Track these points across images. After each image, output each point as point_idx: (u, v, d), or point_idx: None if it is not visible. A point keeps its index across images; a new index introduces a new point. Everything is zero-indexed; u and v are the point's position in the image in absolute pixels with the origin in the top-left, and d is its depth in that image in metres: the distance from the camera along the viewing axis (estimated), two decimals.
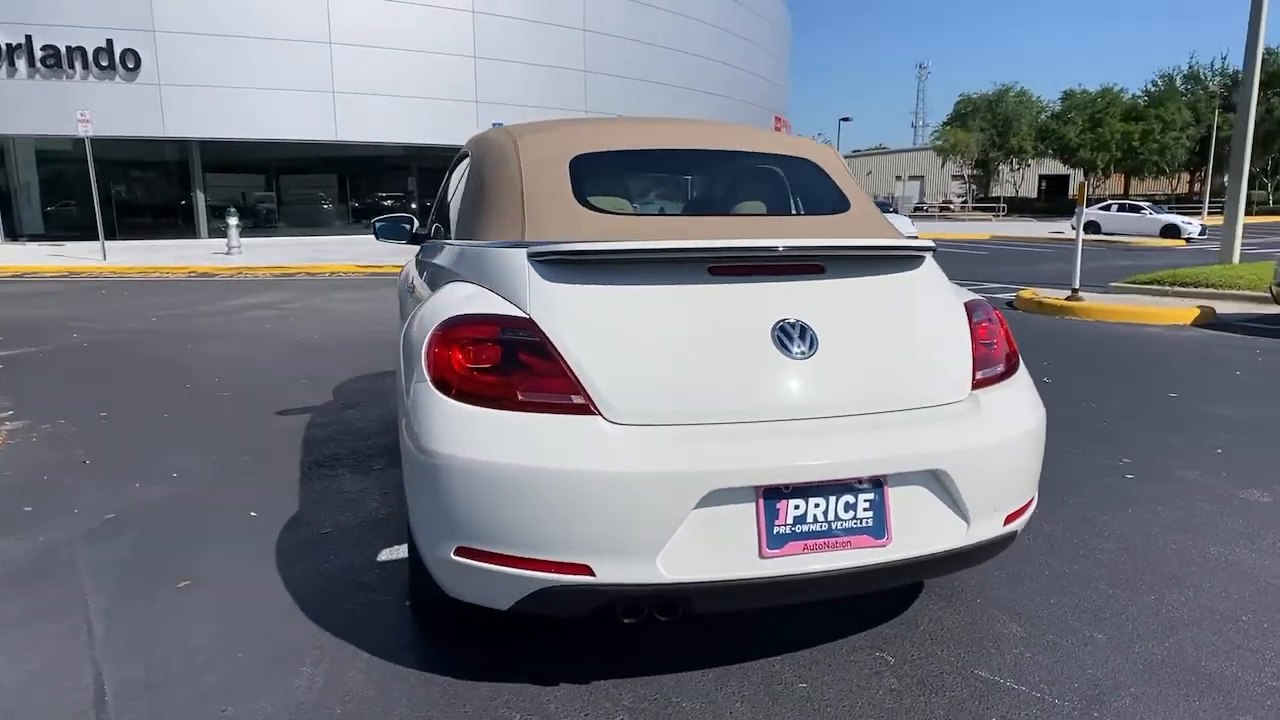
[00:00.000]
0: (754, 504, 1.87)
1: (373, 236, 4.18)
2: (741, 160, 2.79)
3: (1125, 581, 2.77)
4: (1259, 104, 47.26)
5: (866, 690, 2.14)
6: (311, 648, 2.33)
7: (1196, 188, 54.18)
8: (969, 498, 2.02)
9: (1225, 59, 57.13)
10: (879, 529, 1.94)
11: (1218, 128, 44.68)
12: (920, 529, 1.98)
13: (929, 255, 2.30)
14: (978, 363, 2.22)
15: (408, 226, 4.13)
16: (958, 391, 2.13)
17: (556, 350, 1.96)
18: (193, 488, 3.63)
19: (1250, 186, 55.45)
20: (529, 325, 2.01)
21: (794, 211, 2.53)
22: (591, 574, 1.84)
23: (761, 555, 1.87)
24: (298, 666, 2.23)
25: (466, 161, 3.19)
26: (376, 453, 4.12)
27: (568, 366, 1.94)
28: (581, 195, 2.40)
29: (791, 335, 2.01)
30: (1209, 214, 38.90)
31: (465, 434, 1.92)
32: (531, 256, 2.11)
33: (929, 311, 2.22)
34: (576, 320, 1.99)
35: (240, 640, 2.36)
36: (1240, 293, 10.11)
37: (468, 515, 1.91)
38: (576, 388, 1.92)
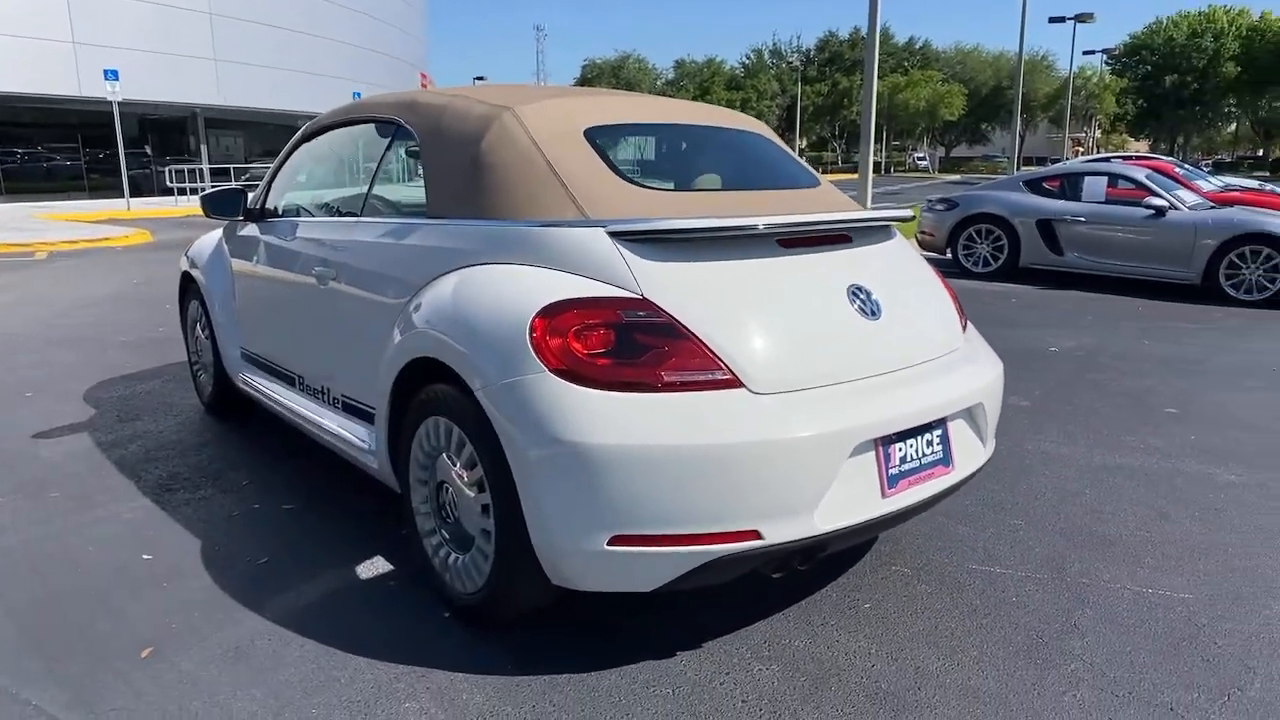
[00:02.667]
0: (874, 452, 2.10)
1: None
2: (727, 136, 2.90)
3: (1006, 480, 3.52)
4: (824, 80, 56.46)
5: (908, 597, 2.53)
6: None
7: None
8: (987, 424, 2.47)
9: (799, 37, 67.17)
10: (947, 459, 2.29)
11: (800, 98, 53.01)
12: (966, 455, 2.37)
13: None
14: (960, 311, 2.67)
15: (242, 201, 3.53)
16: (959, 336, 2.55)
17: (688, 329, 1.97)
18: (18, 537, 2.79)
19: (823, 149, 66.94)
20: (649, 306, 1.99)
21: (784, 184, 2.74)
22: (760, 537, 1.94)
23: (883, 495, 2.11)
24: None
25: (392, 133, 2.86)
26: (229, 465, 3.50)
27: (704, 344, 1.97)
28: (617, 169, 2.35)
29: (862, 298, 2.25)
30: None
31: (615, 421, 1.87)
32: (619, 236, 2.07)
33: (920, 271, 2.60)
34: (694, 298, 2.02)
35: None
36: None
37: (626, 502, 1.87)
38: (718, 363, 1.97)
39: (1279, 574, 2.70)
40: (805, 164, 2.96)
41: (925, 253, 9.95)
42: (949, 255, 9.75)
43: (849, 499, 2.05)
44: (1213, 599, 2.54)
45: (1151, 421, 4.33)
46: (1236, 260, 8.03)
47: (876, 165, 56.98)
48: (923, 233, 10.03)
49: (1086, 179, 9.05)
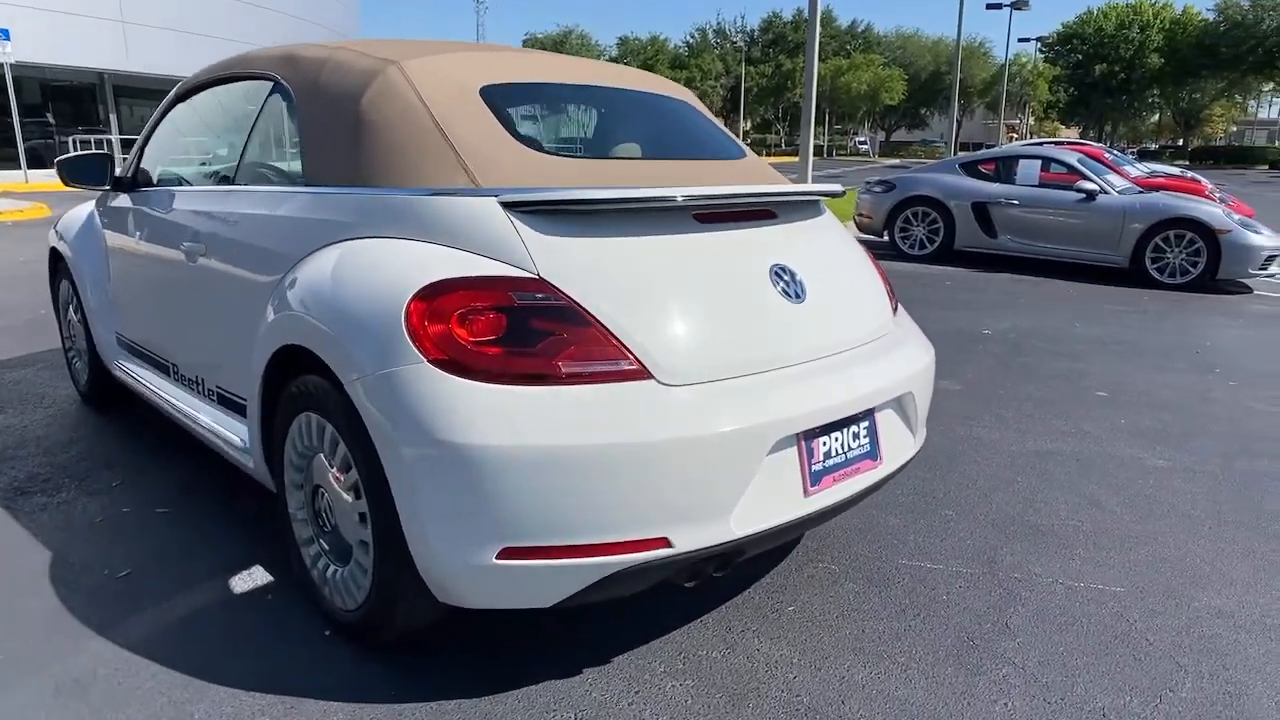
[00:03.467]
0: (796, 448, 1.92)
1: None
2: (640, 100, 2.67)
3: (937, 468, 3.40)
4: (768, 61, 56.62)
5: (834, 598, 2.37)
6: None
7: (729, 129, 63.86)
8: (917, 414, 2.32)
9: (744, 17, 67.01)
10: (874, 452, 2.13)
11: (744, 78, 52.97)
12: (894, 447, 2.22)
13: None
14: (890, 293, 2.50)
15: (108, 167, 3.18)
16: (889, 320, 2.39)
17: (590, 314, 1.76)
18: None
19: (767, 131, 67.15)
20: (546, 287, 1.76)
21: (707, 155, 2.53)
22: (670, 545, 1.74)
23: (805, 494, 1.93)
24: None
25: (269, 90, 2.55)
26: (101, 463, 3.17)
27: (608, 330, 1.76)
28: (517, 133, 2.11)
29: (785, 280, 2.06)
30: None
31: (503, 419, 1.65)
32: (511, 207, 1.84)
33: (848, 250, 2.43)
34: (598, 278, 1.80)
35: None
36: None
37: (518, 511, 1.65)
38: (624, 352, 1.76)
39: (1205, 564, 2.63)
40: (731, 134, 2.75)
41: (863, 235, 9.91)
42: (886, 238, 9.72)
43: (768, 499, 1.86)
44: (1143, 592, 2.45)
45: (1083, 405, 4.29)
46: (1161, 244, 8.16)
47: (818, 149, 57.44)
48: (860, 215, 9.98)
49: (1020, 162, 9.09)
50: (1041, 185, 8.92)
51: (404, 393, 1.70)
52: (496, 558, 1.69)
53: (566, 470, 1.65)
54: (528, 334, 1.73)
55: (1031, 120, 65.06)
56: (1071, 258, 8.70)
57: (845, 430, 2.04)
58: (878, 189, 9.85)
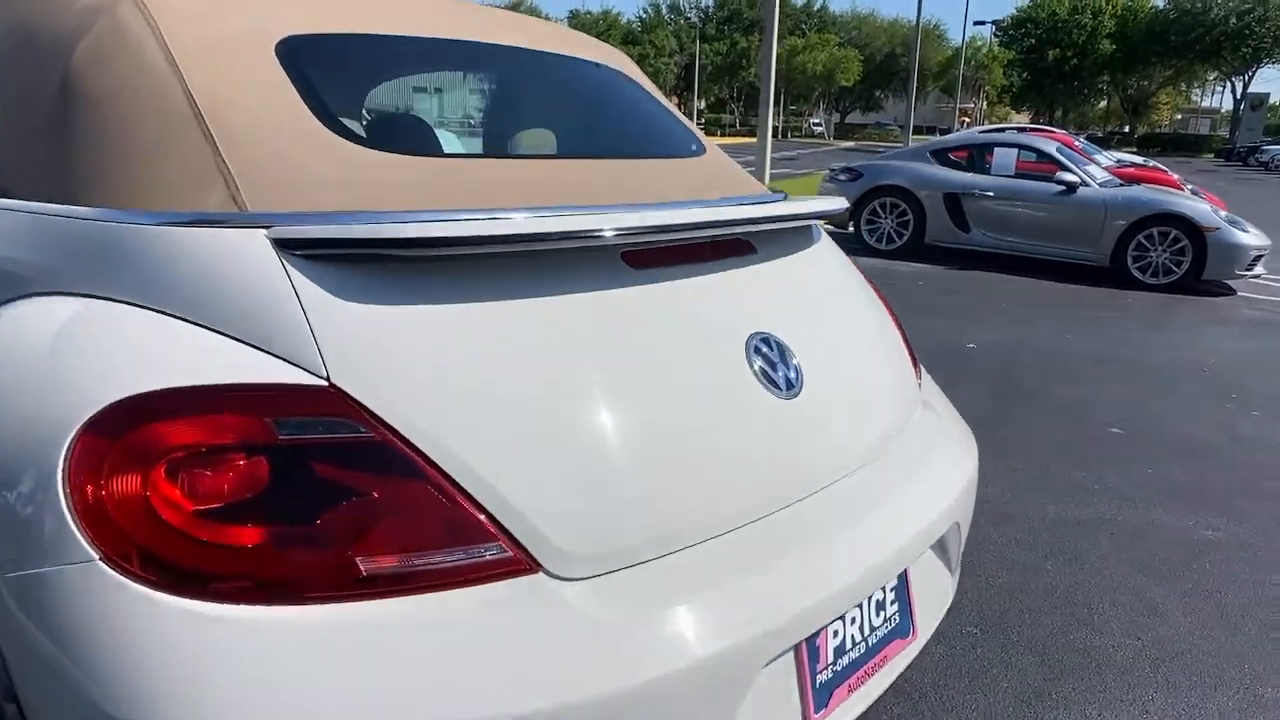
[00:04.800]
0: (791, 657, 1.15)
1: None
2: (564, 69, 1.81)
3: None
4: (723, 39, 55.90)
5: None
6: None
7: (683, 109, 62.89)
8: (960, 545, 1.57)
9: None
10: (905, 624, 1.37)
11: (698, 56, 51.97)
12: (930, 603, 1.47)
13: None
14: (911, 353, 1.75)
15: None
16: (915, 398, 1.63)
17: (422, 453, 0.95)
18: None
19: (721, 110, 66.31)
20: (342, 404, 0.95)
21: (650, 150, 1.71)
22: None
23: None
24: None
25: None
26: None
27: (456, 484, 0.96)
28: (330, 117, 1.27)
29: (770, 358, 1.28)
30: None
31: (253, 685, 0.84)
32: (290, 247, 1.02)
33: (858, 295, 1.66)
34: (438, 385, 1.00)
35: None
36: None
37: None
38: (490, 525, 0.96)
39: None
40: (683, 118, 1.94)
41: (825, 227, 9.21)
42: (851, 230, 9.03)
43: None
44: None
45: (1100, 447, 3.62)
46: (1145, 242, 7.61)
47: (774, 130, 56.88)
48: None
49: (996, 150, 8.46)
50: (1017, 175, 8.30)
51: (52, 621, 0.88)
52: None
53: None
54: (302, 499, 0.92)
55: (984, 104, 65.35)
56: (1047, 255, 8.11)
57: (865, 607, 1.27)
58: (843, 177, 9.14)
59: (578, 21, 60.86)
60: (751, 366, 1.24)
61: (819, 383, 1.33)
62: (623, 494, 1.04)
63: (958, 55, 39.32)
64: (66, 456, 0.91)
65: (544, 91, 1.85)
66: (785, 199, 1.64)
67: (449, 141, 1.82)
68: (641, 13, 63.13)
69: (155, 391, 0.93)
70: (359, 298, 1.01)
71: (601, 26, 60.11)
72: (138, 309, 1.03)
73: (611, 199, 1.38)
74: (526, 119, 1.81)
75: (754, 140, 11.48)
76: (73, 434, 0.92)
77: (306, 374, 0.96)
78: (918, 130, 55.25)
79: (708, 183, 1.65)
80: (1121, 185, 8.13)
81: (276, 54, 1.31)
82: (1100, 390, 4.47)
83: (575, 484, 1.01)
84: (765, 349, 1.28)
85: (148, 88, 1.21)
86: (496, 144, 1.73)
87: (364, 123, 1.53)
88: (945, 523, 1.41)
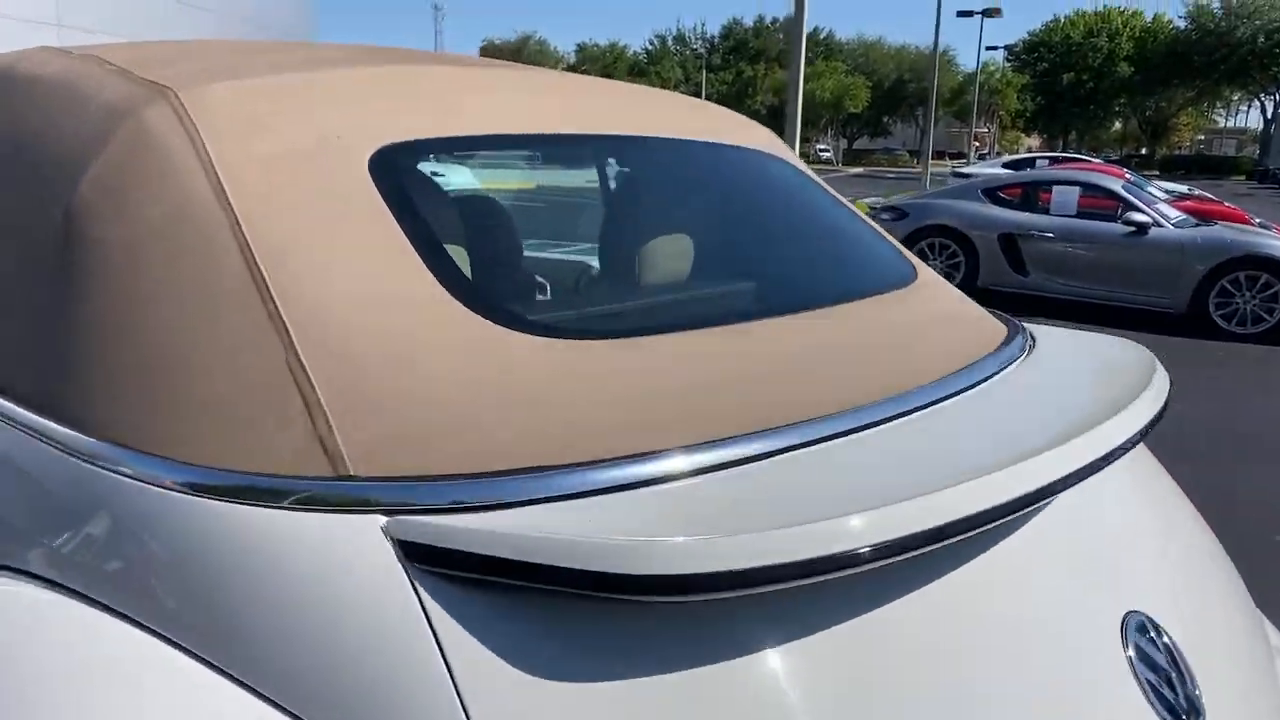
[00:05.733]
0: None
1: None
2: (699, 160, 1.17)
3: None
4: (729, 69, 56.15)
5: None
6: None
7: None
8: None
9: (704, 24, 66.43)
10: None
11: (704, 86, 52.00)
12: None
13: None
14: None
15: None
16: None
17: None
18: None
19: None
20: None
21: (858, 290, 1.07)
22: None
23: None
24: None
25: None
26: None
27: None
28: (459, 277, 0.66)
29: (1157, 664, 0.67)
30: None
31: None
32: (424, 559, 0.53)
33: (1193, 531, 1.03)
34: None
35: None
36: None
37: None
38: None
39: None
40: (866, 218, 1.31)
41: None
42: None
43: None
44: None
45: (1271, 568, 2.94)
46: (1229, 287, 6.94)
47: None
48: None
49: (1056, 189, 7.84)
50: (1080, 215, 7.67)
51: None
52: None
53: None
54: None
55: (998, 129, 65.08)
56: (1115, 301, 7.45)
57: None
58: (886, 216, 8.54)
59: (585, 53, 61.16)
60: (1134, 674, 0.63)
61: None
62: None
63: (970, 80, 39.04)
64: None
65: (721, 204, 1.21)
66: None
67: (615, 290, 1.20)
68: (648, 44, 63.41)
69: None
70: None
71: (609, 59, 60.34)
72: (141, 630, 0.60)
73: (863, 393, 0.78)
74: (718, 256, 1.18)
75: None
76: None
77: None
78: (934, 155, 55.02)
79: (951, 344, 1.01)
80: (1199, 224, 7.49)
81: (370, 170, 0.76)
82: (1236, 475, 3.79)
83: None
84: (1149, 644, 0.66)
85: (184, 235, 0.70)
86: (670, 294, 1.10)
87: (514, 281, 0.93)
88: None
